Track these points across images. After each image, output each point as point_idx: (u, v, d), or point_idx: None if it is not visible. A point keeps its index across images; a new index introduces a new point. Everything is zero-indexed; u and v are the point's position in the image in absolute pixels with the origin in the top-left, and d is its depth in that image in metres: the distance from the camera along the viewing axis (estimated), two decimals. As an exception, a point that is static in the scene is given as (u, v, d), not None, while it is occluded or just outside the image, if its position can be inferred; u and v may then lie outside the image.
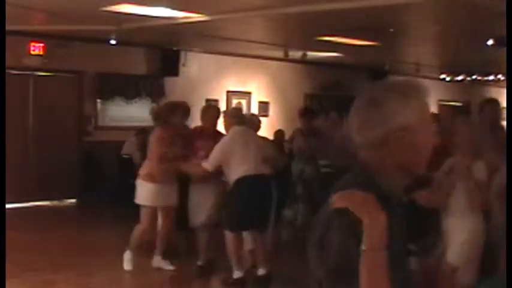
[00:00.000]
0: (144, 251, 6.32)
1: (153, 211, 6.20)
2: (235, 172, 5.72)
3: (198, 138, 6.24)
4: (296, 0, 6.59)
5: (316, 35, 9.31)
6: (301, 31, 9.04)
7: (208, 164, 5.78)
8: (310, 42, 10.05)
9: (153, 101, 10.96)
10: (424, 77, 15.60)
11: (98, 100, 10.70)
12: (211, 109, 6.71)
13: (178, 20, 7.95)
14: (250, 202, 5.68)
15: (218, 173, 5.92)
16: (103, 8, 7.27)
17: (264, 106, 13.26)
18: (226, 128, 6.09)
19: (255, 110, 13.09)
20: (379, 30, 8.37)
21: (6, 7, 4.69)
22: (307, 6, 6.70)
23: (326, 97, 14.15)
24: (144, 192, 6.13)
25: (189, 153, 6.15)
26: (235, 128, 5.94)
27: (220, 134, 6.23)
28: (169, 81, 11.52)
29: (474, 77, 13.40)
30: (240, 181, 5.69)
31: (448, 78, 14.00)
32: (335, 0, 6.43)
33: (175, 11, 7.43)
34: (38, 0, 7.09)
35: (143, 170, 6.20)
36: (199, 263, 6.22)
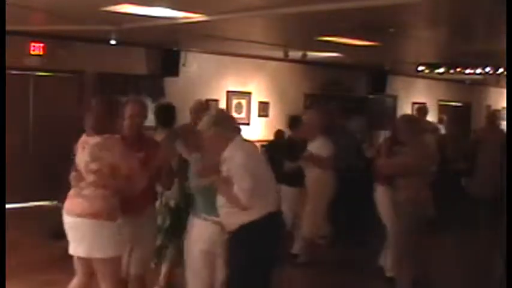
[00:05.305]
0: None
1: (83, 262, 4.27)
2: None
3: None
4: (296, 0, 6.58)
5: (316, 35, 9.30)
6: (301, 31, 9.03)
7: None
8: (310, 42, 10.05)
9: (153, 101, 10.96)
10: (424, 77, 15.64)
11: (98, 100, 10.70)
12: (130, 102, 4.64)
13: (178, 20, 7.95)
14: None
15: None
16: (103, 8, 7.26)
17: (264, 106, 13.26)
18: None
19: (254, 110, 13.11)
20: (379, 30, 8.37)
21: (6, 7, 4.69)
22: (307, 6, 6.70)
23: (326, 97, 14.15)
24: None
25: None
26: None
27: (150, 142, 4.58)
28: (169, 81, 11.52)
29: (458, 69, 13.11)
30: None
31: (427, 71, 13.71)
32: (335, 0, 6.43)
33: (175, 11, 7.42)
34: (38, 0, 7.08)
35: None
36: None
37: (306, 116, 7.09)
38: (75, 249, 4.15)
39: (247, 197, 4.02)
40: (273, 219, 4.23)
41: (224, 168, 4.13)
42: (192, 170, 4.41)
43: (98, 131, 4.12)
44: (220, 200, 4.20)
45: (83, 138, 4.24)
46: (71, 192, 4.27)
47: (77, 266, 4.32)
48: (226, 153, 4.16)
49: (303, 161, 6.81)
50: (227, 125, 4.29)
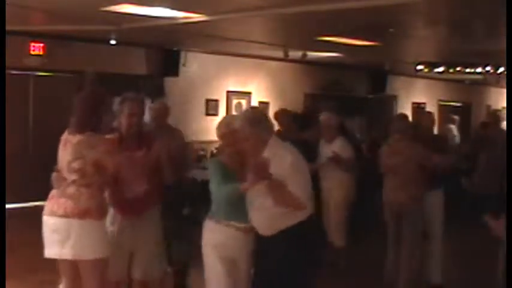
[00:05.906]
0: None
1: (66, 264, 4.06)
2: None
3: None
4: (296, 0, 6.59)
5: (316, 35, 9.31)
6: (301, 31, 9.04)
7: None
8: (310, 42, 10.05)
9: (153, 101, 10.95)
10: (424, 77, 15.64)
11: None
12: (128, 100, 4.62)
13: (178, 20, 7.95)
14: None
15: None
16: (103, 8, 7.26)
17: (264, 106, 13.26)
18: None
19: (255, 110, 13.09)
20: (379, 30, 8.38)
21: (6, 7, 4.69)
22: (307, 6, 6.70)
23: (326, 97, 14.15)
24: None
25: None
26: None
27: (150, 139, 4.42)
28: (169, 81, 11.52)
29: (458, 69, 13.06)
30: None
31: (426, 70, 13.63)
32: (335, 0, 6.43)
33: (175, 11, 7.43)
34: (38, 0, 7.09)
35: None
36: None
37: (323, 117, 6.88)
38: (60, 252, 3.92)
39: (305, 196, 3.75)
40: (314, 221, 3.98)
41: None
42: (220, 175, 3.95)
43: (80, 128, 3.95)
44: (262, 203, 3.77)
45: (65, 135, 4.05)
46: (53, 193, 4.03)
47: (62, 270, 4.09)
48: (267, 155, 3.75)
49: (328, 161, 6.62)
50: (263, 126, 3.89)
